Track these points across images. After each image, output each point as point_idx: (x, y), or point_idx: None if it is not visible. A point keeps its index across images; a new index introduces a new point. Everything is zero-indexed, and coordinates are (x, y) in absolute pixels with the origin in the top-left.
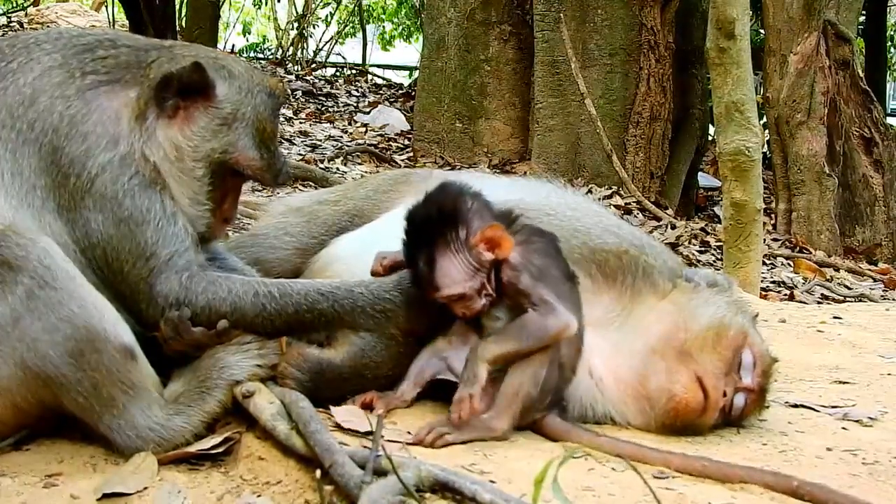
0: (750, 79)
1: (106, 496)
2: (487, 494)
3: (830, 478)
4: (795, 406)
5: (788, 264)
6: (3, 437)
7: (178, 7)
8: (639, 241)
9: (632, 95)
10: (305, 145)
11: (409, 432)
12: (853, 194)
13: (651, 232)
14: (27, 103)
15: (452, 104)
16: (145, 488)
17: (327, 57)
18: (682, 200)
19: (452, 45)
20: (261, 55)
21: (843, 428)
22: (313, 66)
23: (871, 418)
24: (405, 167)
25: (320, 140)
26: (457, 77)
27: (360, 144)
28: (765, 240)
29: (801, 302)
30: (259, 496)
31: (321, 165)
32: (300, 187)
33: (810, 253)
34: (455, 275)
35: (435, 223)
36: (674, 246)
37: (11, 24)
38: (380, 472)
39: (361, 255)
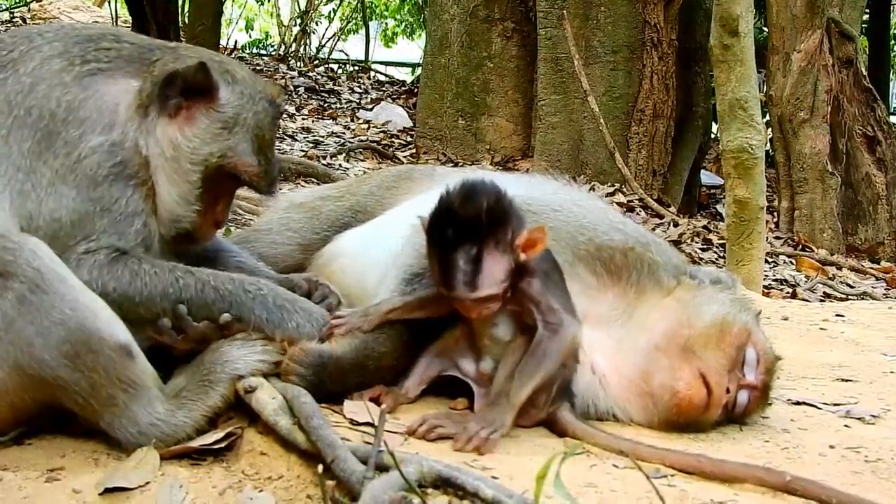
0: (753, 76)
1: (108, 491)
2: (490, 490)
3: (833, 475)
4: (798, 403)
5: (791, 262)
6: (2, 433)
7: (180, 3)
8: (644, 238)
9: (635, 93)
10: (308, 142)
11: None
12: (856, 192)
13: (653, 230)
14: (26, 91)
15: (455, 101)
16: (147, 483)
17: (330, 53)
18: (685, 198)
19: (455, 41)
20: (263, 52)
21: (846, 425)
22: (316, 62)
23: (873, 416)
24: (408, 164)
25: (323, 137)
26: (460, 74)
27: (362, 141)
28: (767, 238)
29: (803, 300)
30: (261, 491)
31: (324, 162)
32: (302, 184)
33: (813, 251)
34: (497, 275)
35: (484, 223)
36: (676, 244)
37: (14, 20)
38: (382, 468)
39: (364, 250)
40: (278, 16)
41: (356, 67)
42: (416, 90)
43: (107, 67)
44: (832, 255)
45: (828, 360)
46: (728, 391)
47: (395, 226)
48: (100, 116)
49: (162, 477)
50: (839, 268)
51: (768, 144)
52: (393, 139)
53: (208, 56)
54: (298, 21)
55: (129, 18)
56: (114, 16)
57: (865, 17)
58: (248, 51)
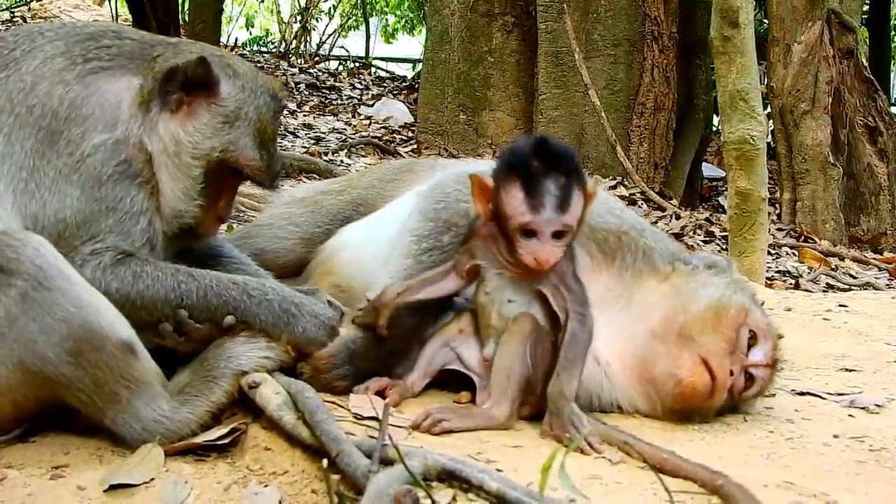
0: (754, 68)
1: (112, 487)
2: (494, 483)
3: (837, 465)
4: (802, 394)
5: (793, 254)
6: (6, 431)
7: (180, 1)
8: (639, 224)
9: (636, 86)
10: (309, 138)
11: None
12: (858, 183)
13: (655, 222)
14: (27, 89)
15: (456, 96)
16: (152, 479)
17: (330, 50)
18: (687, 191)
19: (456, 36)
20: (264, 49)
21: (850, 415)
22: (316, 59)
23: (877, 405)
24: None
25: (324, 133)
26: (460, 69)
27: (363, 137)
28: (769, 229)
29: (806, 291)
30: (266, 486)
31: (325, 158)
32: (304, 180)
33: (815, 242)
34: (576, 210)
35: (574, 162)
36: (678, 236)
37: (15, 19)
38: (387, 462)
39: (366, 243)
40: (278, 13)
41: (357, 64)
42: (416, 86)
43: (108, 65)
44: (835, 245)
45: (831, 350)
46: (731, 373)
47: (397, 216)
48: (102, 114)
49: (166, 473)
50: (842, 259)
51: (770, 136)
52: (394, 135)
53: (209, 51)
54: (299, 18)
55: (130, 17)
56: (114, 14)
57: (865, 7)
58: (248, 48)
